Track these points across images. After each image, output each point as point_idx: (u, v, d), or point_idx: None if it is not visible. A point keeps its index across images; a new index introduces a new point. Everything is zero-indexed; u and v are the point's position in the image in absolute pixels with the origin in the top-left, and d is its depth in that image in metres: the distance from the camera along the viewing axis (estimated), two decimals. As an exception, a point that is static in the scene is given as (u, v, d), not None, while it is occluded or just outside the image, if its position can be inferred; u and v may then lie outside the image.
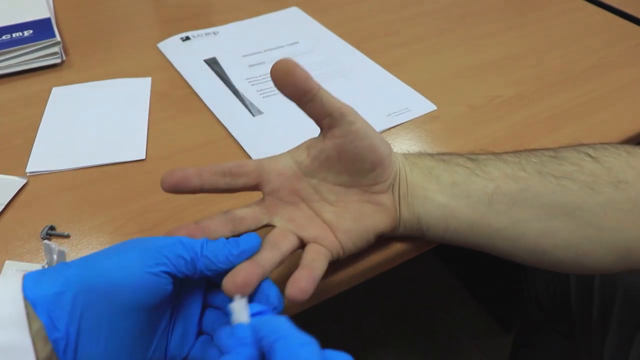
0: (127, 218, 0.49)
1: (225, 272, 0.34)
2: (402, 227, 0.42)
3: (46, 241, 0.42)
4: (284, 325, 0.27)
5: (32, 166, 0.54)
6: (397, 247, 0.45)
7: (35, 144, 0.57)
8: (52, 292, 0.29)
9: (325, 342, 0.28)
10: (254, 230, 0.38)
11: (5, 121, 0.60)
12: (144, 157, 0.56)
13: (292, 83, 0.36)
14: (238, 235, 0.36)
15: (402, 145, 0.58)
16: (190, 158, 0.56)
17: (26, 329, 0.27)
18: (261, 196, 0.40)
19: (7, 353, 0.26)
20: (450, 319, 1.21)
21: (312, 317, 0.43)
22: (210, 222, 0.37)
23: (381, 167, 0.39)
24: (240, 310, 0.31)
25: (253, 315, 0.31)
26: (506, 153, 0.42)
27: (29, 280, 0.29)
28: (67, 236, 0.47)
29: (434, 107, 0.64)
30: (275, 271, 0.37)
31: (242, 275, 0.33)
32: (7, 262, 0.45)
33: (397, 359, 1.12)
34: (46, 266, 0.42)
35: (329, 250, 0.38)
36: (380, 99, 0.65)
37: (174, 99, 0.65)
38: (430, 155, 0.43)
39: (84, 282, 0.29)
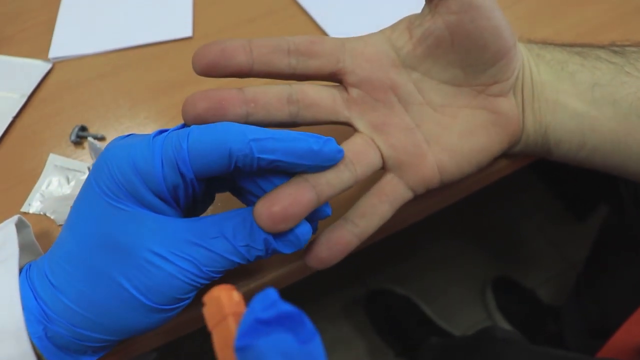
0: (173, 113, 0.39)
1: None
2: (522, 142, 0.31)
3: (91, 139, 0.35)
4: None
5: (55, 50, 0.44)
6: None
7: (58, 22, 0.46)
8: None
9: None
10: (325, 124, 0.28)
11: (22, -6, 0.50)
12: (190, 35, 0.45)
13: None
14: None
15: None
16: (248, 34, 0.44)
17: (26, 339, 0.23)
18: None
19: None
20: (516, 204, 1.08)
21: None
22: (263, 95, 0.26)
23: (505, 60, 0.28)
24: None
25: None
26: None
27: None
28: (102, 138, 0.38)
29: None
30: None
31: (285, 202, 0.24)
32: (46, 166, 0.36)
33: (452, 248, 1.03)
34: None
35: (410, 189, 0.29)
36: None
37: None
38: (560, 45, 0.32)
39: None
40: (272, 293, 0.19)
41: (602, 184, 0.91)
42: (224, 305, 0.19)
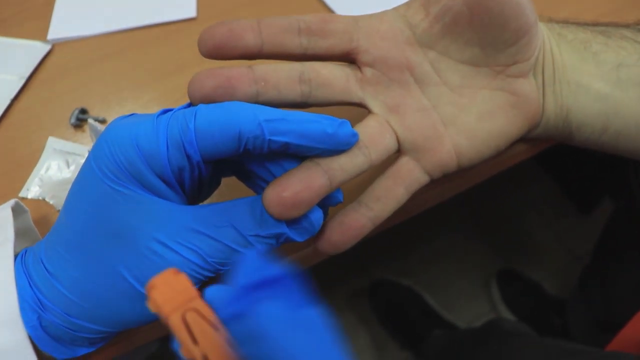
0: (177, 95, 0.38)
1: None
2: (542, 126, 0.30)
3: (92, 121, 0.33)
4: None
5: (54, 31, 0.42)
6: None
7: (57, 3, 0.45)
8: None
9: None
10: (338, 104, 0.26)
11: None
12: (194, 15, 0.43)
13: None
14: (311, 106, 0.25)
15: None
16: (254, 13, 0.43)
17: (21, 328, 0.22)
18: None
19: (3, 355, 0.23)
20: (520, 197, 1.07)
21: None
22: (274, 73, 0.25)
23: (526, 38, 0.27)
24: None
25: None
26: None
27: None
28: (103, 121, 0.37)
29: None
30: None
31: (296, 187, 0.22)
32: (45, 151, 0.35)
33: (457, 240, 1.02)
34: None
35: (426, 173, 0.27)
36: None
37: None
38: (583, 24, 0.30)
39: None
40: (254, 256, 0.17)
41: (608, 177, 0.90)
42: (170, 298, 0.18)
